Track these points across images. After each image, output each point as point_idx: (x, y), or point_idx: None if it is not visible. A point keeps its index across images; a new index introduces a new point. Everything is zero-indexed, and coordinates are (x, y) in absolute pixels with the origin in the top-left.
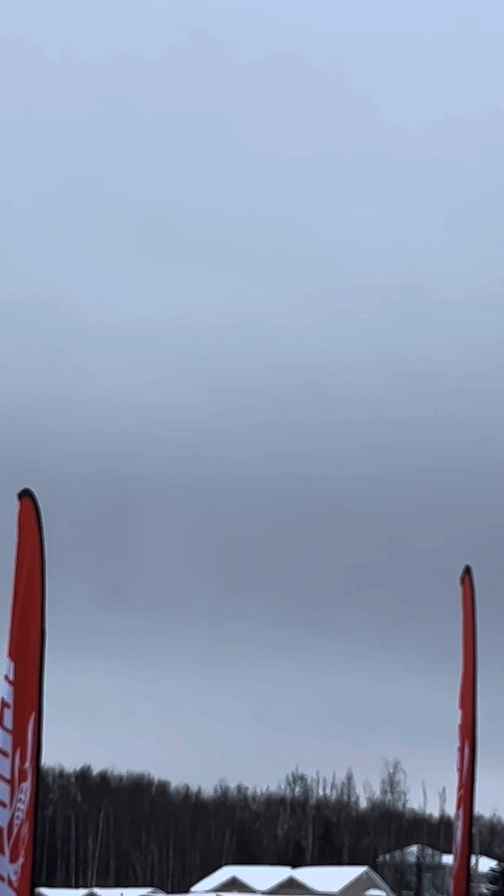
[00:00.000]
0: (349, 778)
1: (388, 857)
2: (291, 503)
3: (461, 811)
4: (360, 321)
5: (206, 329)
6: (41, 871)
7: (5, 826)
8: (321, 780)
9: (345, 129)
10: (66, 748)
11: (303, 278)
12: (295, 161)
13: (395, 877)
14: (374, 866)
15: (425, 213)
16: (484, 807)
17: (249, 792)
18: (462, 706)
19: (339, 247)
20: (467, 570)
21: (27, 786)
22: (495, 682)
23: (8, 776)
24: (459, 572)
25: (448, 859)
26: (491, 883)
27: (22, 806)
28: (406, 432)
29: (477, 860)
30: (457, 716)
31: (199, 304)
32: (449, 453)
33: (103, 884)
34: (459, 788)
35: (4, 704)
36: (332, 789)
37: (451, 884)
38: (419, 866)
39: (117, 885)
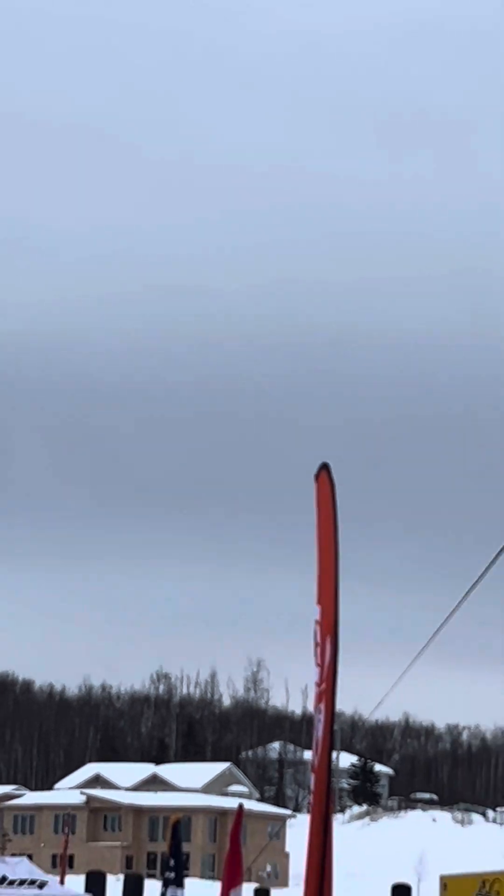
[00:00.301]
0: (213, 676)
1: (250, 753)
2: (155, 405)
3: (322, 705)
4: (214, 222)
5: (66, 228)
6: None
7: None
8: (185, 678)
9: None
10: None
11: (150, 174)
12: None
13: (258, 772)
14: (237, 762)
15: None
16: (345, 704)
17: (114, 690)
18: (321, 602)
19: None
20: (324, 467)
21: None
22: (349, 577)
23: None
24: (319, 469)
25: (310, 755)
26: (352, 778)
27: None
28: (267, 334)
29: (338, 756)
30: (315, 612)
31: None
32: (313, 356)
33: None
34: (321, 682)
35: None
36: (195, 687)
37: (312, 779)
38: (281, 762)
39: None
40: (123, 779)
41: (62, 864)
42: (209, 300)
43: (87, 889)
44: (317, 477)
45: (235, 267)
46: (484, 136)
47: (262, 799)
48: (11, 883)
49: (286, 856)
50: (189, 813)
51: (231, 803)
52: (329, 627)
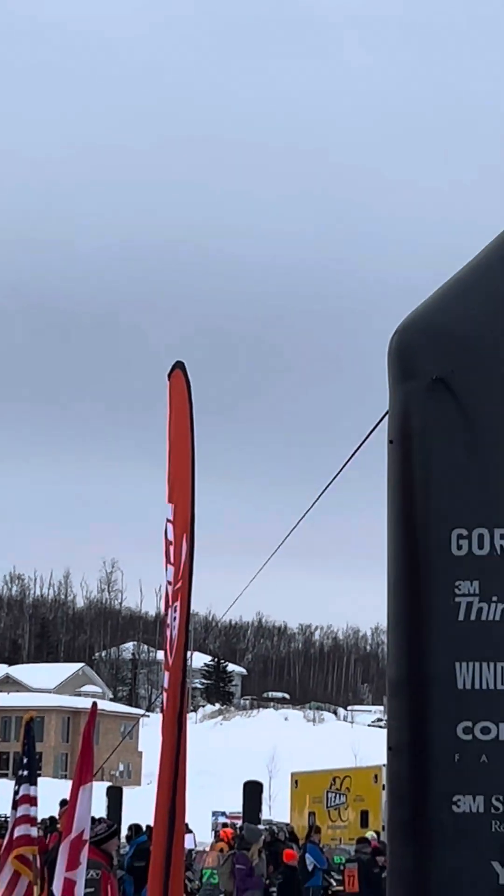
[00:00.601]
0: (66, 577)
1: (104, 653)
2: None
3: (178, 604)
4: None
5: None
6: None
7: None
8: (38, 579)
9: None
10: None
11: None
12: None
13: (111, 673)
14: (91, 663)
15: None
16: (199, 604)
17: None
18: (173, 500)
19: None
20: (178, 365)
21: None
22: (201, 474)
23: None
24: (172, 368)
25: (163, 655)
26: (205, 678)
27: None
28: (116, 227)
29: (191, 655)
30: (167, 511)
31: None
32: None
33: None
34: (175, 581)
35: None
36: (49, 588)
37: (165, 678)
38: (135, 662)
39: None
40: None
41: None
42: (62, 202)
43: None
44: (170, 375)
45: (84, 166)
46: None
47: (115, 699)
48: None
49: (139, 755)
50: (42, 713)
51: (84, 703)
52: (184, 525)
